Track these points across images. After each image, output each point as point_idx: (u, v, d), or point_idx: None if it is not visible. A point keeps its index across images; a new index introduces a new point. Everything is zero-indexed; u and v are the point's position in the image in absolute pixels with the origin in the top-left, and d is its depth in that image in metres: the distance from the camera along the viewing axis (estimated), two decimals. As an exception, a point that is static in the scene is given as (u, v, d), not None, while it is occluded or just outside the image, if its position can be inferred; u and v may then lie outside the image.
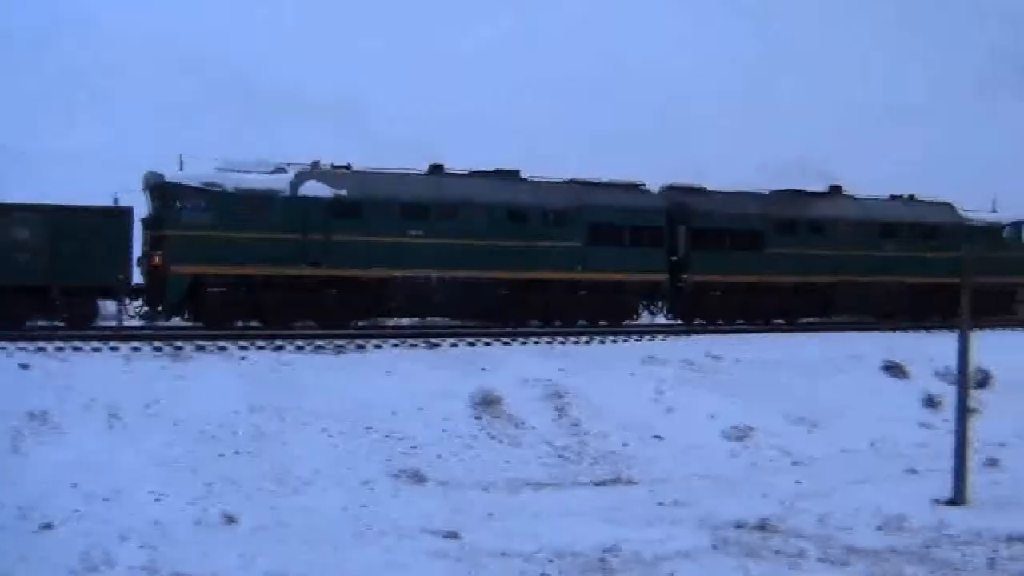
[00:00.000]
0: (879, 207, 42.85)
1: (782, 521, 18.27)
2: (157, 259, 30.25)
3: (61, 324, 29.17)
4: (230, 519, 17.41)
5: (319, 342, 27.68)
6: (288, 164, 32.57)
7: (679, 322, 38.44)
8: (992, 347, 31.12)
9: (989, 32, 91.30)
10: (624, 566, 15.24)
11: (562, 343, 30.35)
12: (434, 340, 28.97)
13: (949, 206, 44.44)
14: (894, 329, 36.78)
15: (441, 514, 18.51)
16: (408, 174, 34.14)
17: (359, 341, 28.20)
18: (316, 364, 26.07)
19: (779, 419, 26.76)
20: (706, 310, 38.25)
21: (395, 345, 28.38)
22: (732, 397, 27.59)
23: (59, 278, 28.61)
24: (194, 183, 30.51)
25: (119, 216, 29.77)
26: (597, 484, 22.06)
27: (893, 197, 43.82)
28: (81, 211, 29.36)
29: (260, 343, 27.15)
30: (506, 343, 29.83)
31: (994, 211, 45.92)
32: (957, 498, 19.96)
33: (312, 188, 31.68)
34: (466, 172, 35.35)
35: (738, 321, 38.51)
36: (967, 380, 21.43)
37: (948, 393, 27.27)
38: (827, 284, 39.92)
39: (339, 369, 25.81)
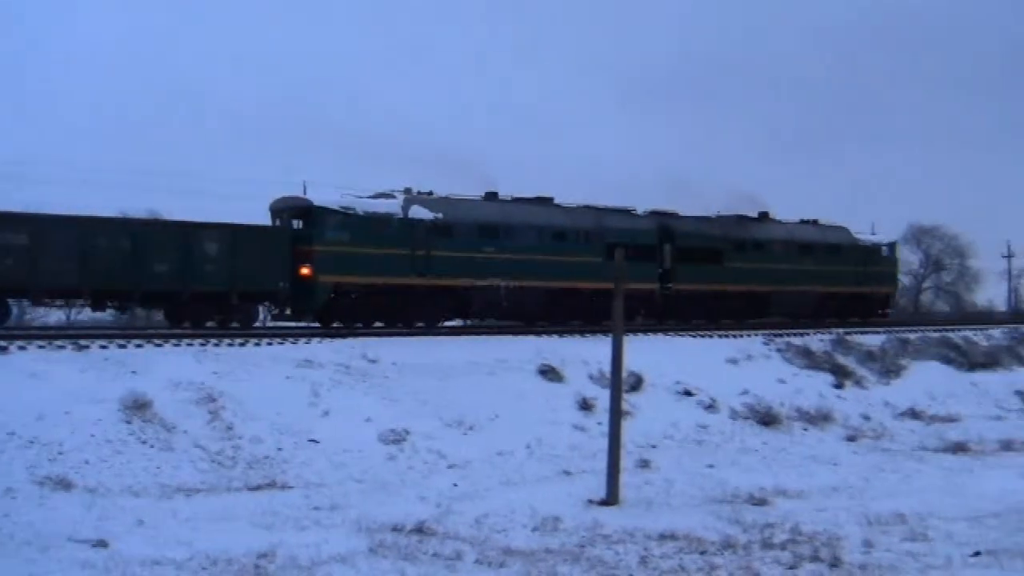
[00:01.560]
0: (799, 230, 51.58)
1: (439, 523, 18.67)
2: (306, 270, 35.08)
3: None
4: None
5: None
6: (392, 191, 38.58)
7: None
8: (644, 351, 32.66)
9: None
10: (280, 571, 15.25)
11: (216, 345, 29.77)
12: (82, 342, 27.91)
13: (845, 229, 53.77)
14: (550, 333, 38.29)
15: (89, 522, 18.03)
16: (479, 201, 40.79)
17: (1, 342, 26.84)
18: (-46, 366, 24.68)
19: (435, 422, 27.21)
20: (683, 313, 45.38)
21: (41, 347, 27.14)
22: (388, 400, 27.91)
23: (237, 285, 33.70)
24: (335, 206, 35.92)
25: (281, 233, 35.73)
26: (251, 489, 21.92)
27: (803, 221, 52.44)
28: (254, 229, 35.12)
29: None
30: (158, 345, 29.02)
31: (874, 233, 56.04)
32: (610, 499, 20.94)
33: (418, 211, 37.55)
34: (510, 198, 41.77)
35: (695, 321, 45.57)
36: (620, 383, 22.44)
37: (602, 396, 28.52)
38: (765, 292, 48.05)
39: (-21, 371, 24.53)
